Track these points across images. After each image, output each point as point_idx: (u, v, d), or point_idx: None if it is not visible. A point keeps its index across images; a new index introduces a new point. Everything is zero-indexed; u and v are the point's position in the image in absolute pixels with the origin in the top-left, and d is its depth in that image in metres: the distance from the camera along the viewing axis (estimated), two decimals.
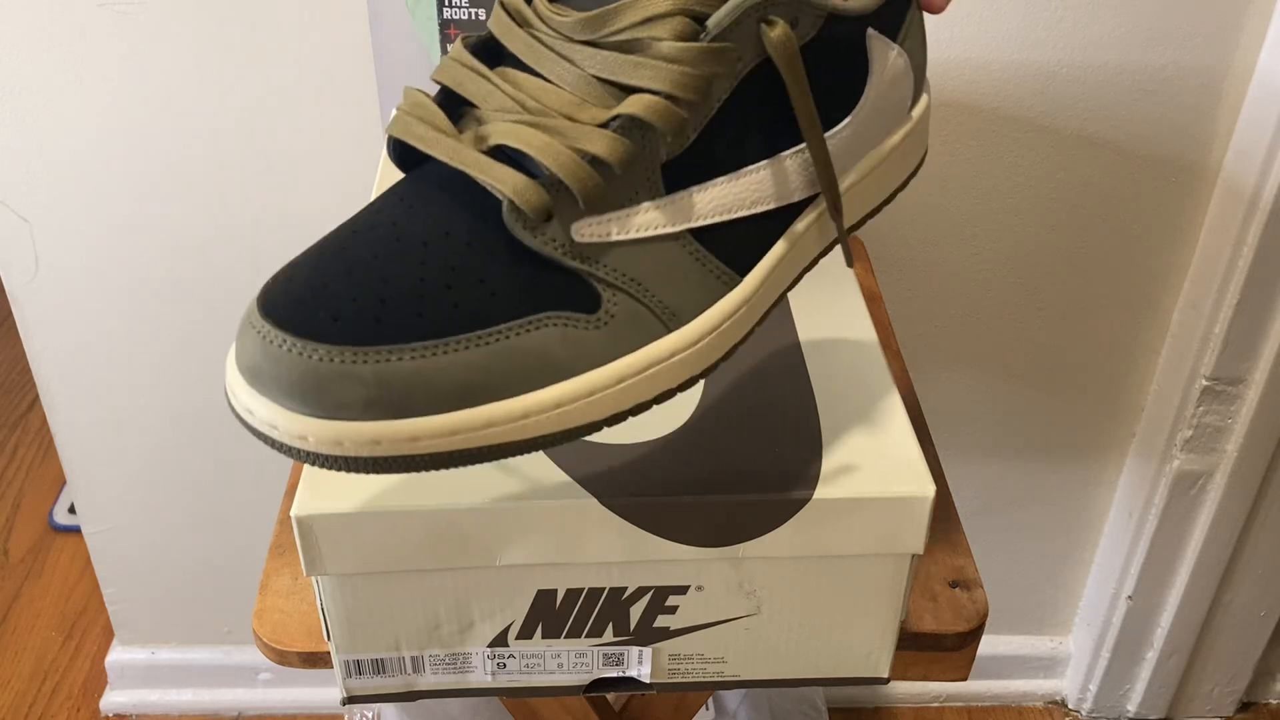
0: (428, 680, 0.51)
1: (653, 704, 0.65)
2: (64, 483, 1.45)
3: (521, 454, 0.34)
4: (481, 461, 0.34)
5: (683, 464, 0.46)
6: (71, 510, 1.40)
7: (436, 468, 0.34)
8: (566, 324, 0.34)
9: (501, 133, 0.34)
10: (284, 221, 0.84)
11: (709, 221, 0.36)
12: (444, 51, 0.66)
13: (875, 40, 0.39)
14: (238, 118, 0.79)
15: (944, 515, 0.56)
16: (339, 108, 0.79)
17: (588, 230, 0.35)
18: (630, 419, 0.37)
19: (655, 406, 0.38)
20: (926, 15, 0.65)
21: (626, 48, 0.34)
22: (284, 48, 0.77)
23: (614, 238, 0.35)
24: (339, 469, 0.33)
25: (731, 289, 0.37)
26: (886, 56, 0.40)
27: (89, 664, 1.22)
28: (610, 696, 0.65)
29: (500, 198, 0.34)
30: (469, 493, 0.45)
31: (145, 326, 0.90)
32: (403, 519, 0.44)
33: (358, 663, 0.50)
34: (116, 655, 1.14)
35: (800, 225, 0.40)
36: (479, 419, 0.33)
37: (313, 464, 0.33)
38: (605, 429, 0.36)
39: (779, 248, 0.39)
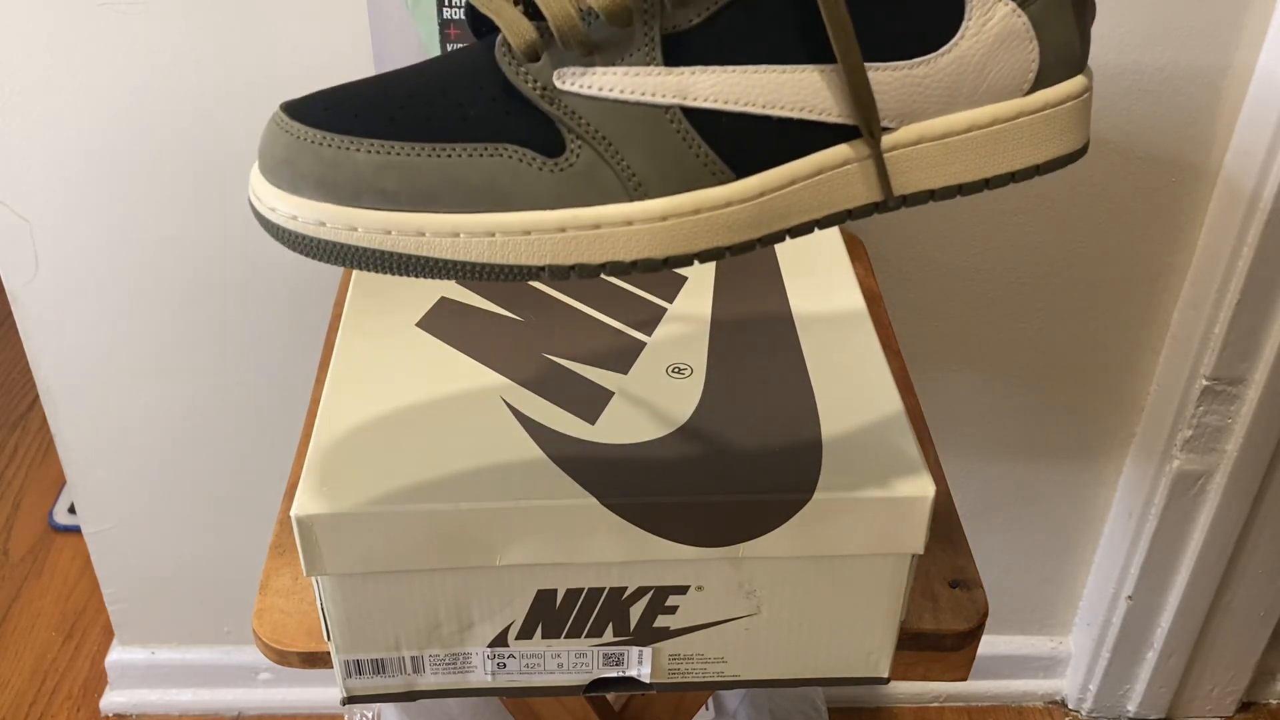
0: (428, 680, 0.51)
1: (653, 704, 0.65)
2: (64, 483, 1.45)
3: (457, 277, 0.36)
4: (416, 273, 0.36)
5: (683, 464, 0.46)
6: (71, 510, 1.40)
7: (373, 267, 0.36)
8: (522, 160, 0.35)
9: None
10: None
11: (706, 105, 0.36)
12: (444, 51, 0.66)
13: None
14: (238, 118, 0.79)
15: (944, 515, 0.56)
16: None
17: (570, 78, 0.35)
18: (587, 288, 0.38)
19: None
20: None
21: None
22: (284, 48, 0.77)
23: (593, 92, 0.36)
24: (290, 244, 0.36)
25: (722, 183, 0.37)
26: (992, 8, 0.37)
27: (89, 664, 1.22)
28: (610, 696, 0.65)
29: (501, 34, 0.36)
30: (469, 493, 0.45)
31: (145, 326, 0.90)
32: (403, 519, 0.44)
33: (358, 663, 0.50)
34: (116, 655, 1.13)
35: (835, 154, 0.38)
36: (411, 223, 0.35)
37: (273, 235, 0.37)
38: (546, 281, 0.37)
39: (798, 165, 0.38)
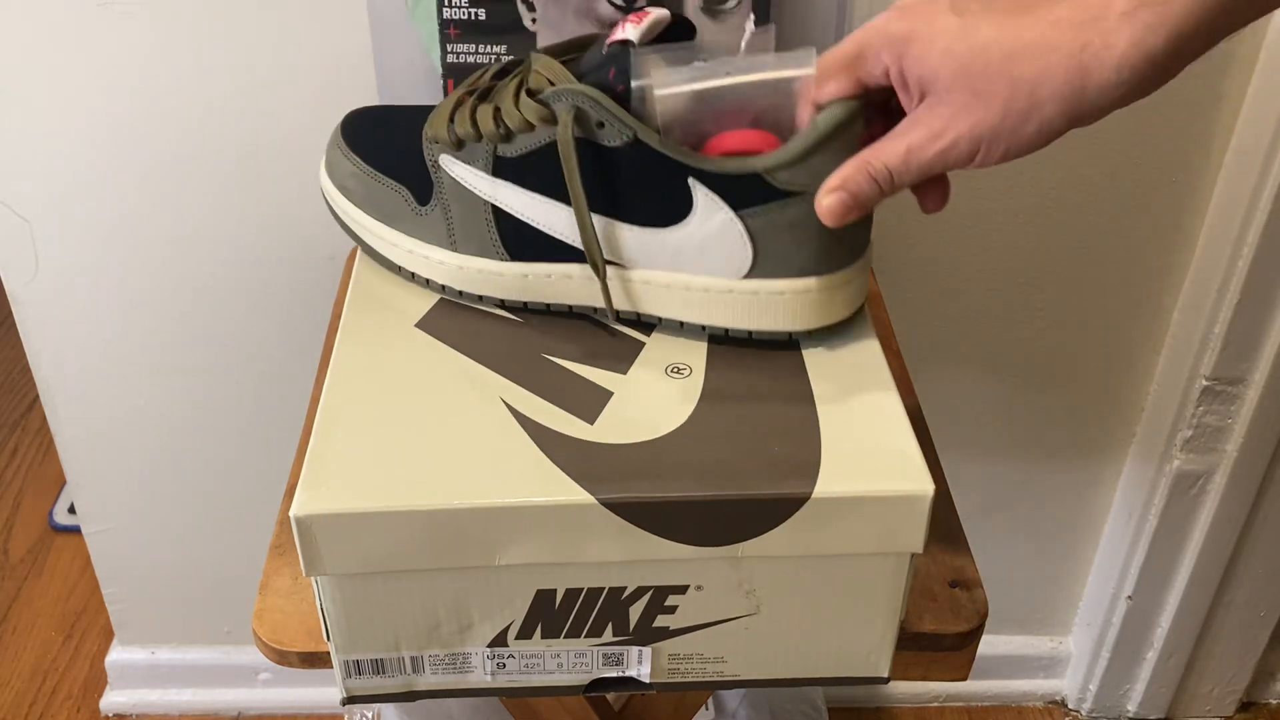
0: (427, 680, 0.51)
1: (652, 704, 0.65)
2: (64, 483, 1.45)
3: (363, 249, 0.59)
4: (351, 237, 0.59)
5: (682, 464, 0.46)
6: (71, 510, 1.40)
7: (338, 224, 0.60)
8: (406, 200, 0.56)
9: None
10: (284, 221, 0.84)
11: (504, 208, 0.53)
12: (444, 51, 0.66)
13: (700, 191, 0.49)
14: (238, 118, 0.79)
15: (944, 515, 0.56)
16: (339, 108, 0.79)
17: (447, 163, 0.54)
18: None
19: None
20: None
21: (519, 88, 0.52)
22: (284, 48, 0.77)
23: (453, 174, 0.54)
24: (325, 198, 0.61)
25: (500, 260, 0.54)
26: (713, 212, 0.49)
27: (89, 664, 1.22)
28: (610, 696, 0.65)
29: None
30: (469, 493, 0.45)
31: (145, 326, 0.90)
32: (403, 519, 0.45)
33: (357, 663, 0.50)
34: (116, 655, 1.14)
35: (576, 268, 0.53)
36: (352, 214, 0.58)
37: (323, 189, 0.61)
38: (401, 276, 0.58)
39: (550, 266, 0.54)
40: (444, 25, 0.66)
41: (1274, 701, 1.21)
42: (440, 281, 0.56)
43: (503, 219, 0.53)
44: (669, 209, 0.50)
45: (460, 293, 0.56)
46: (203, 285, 0.88)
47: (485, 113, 0.52)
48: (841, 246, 0.51)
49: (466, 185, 0.53)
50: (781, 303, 0.51)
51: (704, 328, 0.53)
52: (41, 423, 1.55)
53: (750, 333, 0.52)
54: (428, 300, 0.56)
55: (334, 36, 0.76)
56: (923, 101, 0.45)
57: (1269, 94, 0.80)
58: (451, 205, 0.54)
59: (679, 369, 0.52)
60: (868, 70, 0.46)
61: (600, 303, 0.54)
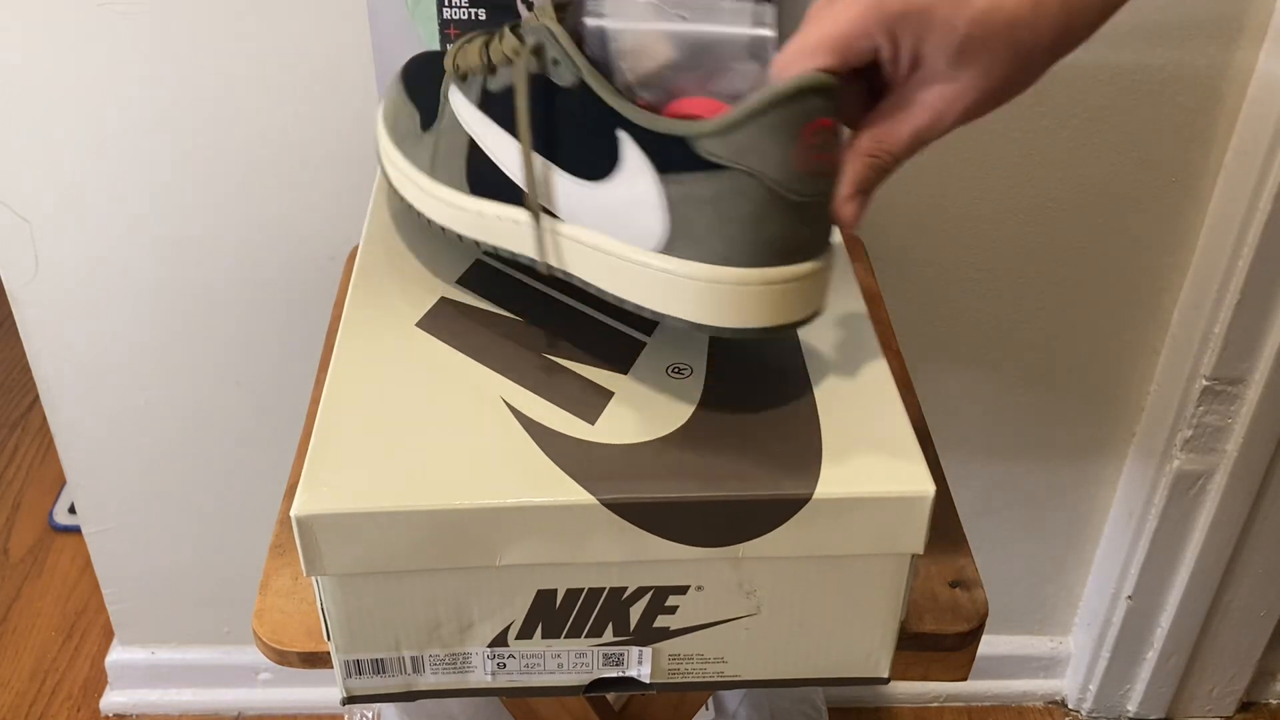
0: (427, 680, 0.51)
1: (652, 704, 0.65)
2: (64, 483, 1.45)
3: (388, 181, 0.60)
4: (381, 169, 0.61)
5: (682, 464, 0.46)
6: (71, 510, 1.40)
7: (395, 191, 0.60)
8: (418, 122, 0.57)
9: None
10: (283, 221, 0.84)
11: (478, 140, 0.53)
12: (444, 51, 0.66)
13: (629, 146, 0.46)
14: (237, 118, 0.79)
15: (944, 515, 0.56)
16: (339, 108, 0.79)
17: (452, 93, 0.55)
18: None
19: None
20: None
21: (499, 30, 0.52)
22: (284, 48, 0.77)
23: (454, 104, 0.54)
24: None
25: (463, 193, 0.54)
26: (638, 173, 0.46)
27: (89, 664, 1.22)
28: (610, 696, 0.65)
29: None
30: (469, 493, 0.45)
31: (145, 326, 0.90)
32: (403, 519, 0.44)
33: (358, 663, 0.50)
34: (116, 655, 1.14)
35: (520, 212, 0.51)
36: (387, 149, 0.59)
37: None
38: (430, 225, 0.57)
39: (499, 206, 0.52)
40: (444, 25, 0.66)
41: (1274, 701, 1.22)
42: (417, 207, 0.57)
43: (473, 152, 0.53)
44: (599, 161, 0.47)
45: (429, 221, 0.56)
46: (203, 285, 0.88)
47: (475, 45, 0.53)
48: (777, 243, 0.44)
49: (459, 116, 0.53)
50: (692, 289, 0.45)
51: (621, 300, 0.48)
52: (41, 423, 1.55)
53: (661, 316, 0.47)
54: (428, 300, 0.56)
55: (334, 37, 0.76)
56: (915, 73, 0.44)
57: (1269, 94, 0.80)
58: (443, 134, 0.54)
59: (680, 369, 0.52)
60: (857, 51, 0.44)
61: (532, 254, 0.52)
